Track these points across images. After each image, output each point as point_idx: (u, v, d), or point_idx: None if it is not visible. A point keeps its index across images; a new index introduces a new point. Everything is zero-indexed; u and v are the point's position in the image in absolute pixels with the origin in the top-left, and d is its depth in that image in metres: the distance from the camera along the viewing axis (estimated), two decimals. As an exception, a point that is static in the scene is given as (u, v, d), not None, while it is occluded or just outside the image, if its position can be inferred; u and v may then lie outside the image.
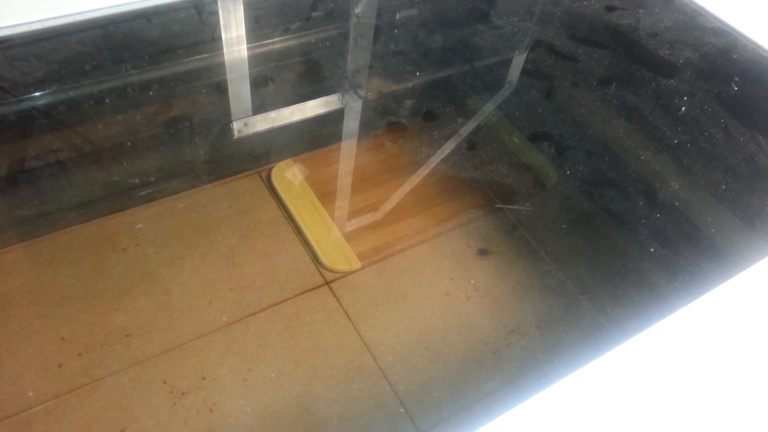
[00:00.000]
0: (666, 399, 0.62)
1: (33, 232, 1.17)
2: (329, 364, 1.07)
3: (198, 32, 1.36)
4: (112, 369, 1.02)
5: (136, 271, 1.14)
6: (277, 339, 1.09)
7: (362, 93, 1.51)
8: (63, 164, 1.25)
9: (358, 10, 1.49)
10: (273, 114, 1.40)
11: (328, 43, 1.53)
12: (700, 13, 1.28)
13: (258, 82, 1.43)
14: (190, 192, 1.28)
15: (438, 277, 1.21)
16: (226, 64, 1.36)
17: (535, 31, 1.66)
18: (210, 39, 1.36)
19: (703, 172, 1.30)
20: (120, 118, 1.30)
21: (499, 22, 1.68)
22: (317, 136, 1.45)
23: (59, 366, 1.01)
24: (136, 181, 1.27)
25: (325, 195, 1.32)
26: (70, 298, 1.09)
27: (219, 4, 1.25)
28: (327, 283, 1.18)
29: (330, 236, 1.25)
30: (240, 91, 1.37)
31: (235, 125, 1.36)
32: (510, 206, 1.36)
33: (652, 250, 1.30)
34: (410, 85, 1.58)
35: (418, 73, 1.61)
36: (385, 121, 1.52)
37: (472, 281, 1.21)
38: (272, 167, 1.35)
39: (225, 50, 1.33)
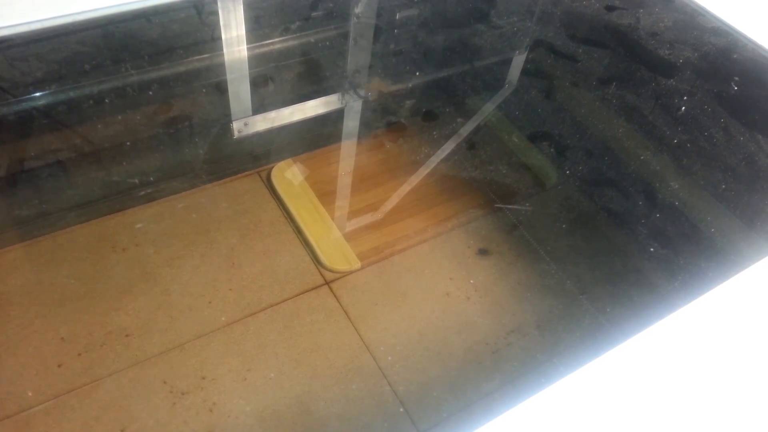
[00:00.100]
0: (666, 399, 0.62)
1: (33, 232, 1.17)
2: (329, 364, 1.07)
3: (198, 32, 1.35)
4: (111, 369, 1.02)
5: (136, 271, 1.14)
6: (276, 339, 1.09)
7: (362, 93, 1.51)
8: (63, 164, 1.25)
9: (358, 10, 1.49)
10: (273, 114, 1.40)
11: (328, 43, 1.53)
12: (700, 13, 1.28)
13: (258, 82, 1.43)
14: (190, 192, 1.28)
15: (438, 277, 1.21)
16: (226, 64, 1.36)
17: (535, 30, 1.66)
18: (210, 39, 1.35)
19: (703, 172, 1.30)
20: (120, 118, 1.30)
21: (499, 21, 1.68)
22: (317, 136, 1.45)
23: (59, 366, 1.01)
24: (136, 181, 1.27)
25: (325, 195, 1.32)
26: (70, 298, 1.09)
27: (219, 4, 1.25)
28: (327, 283, 1.18)
29: (330, 236, 1.25)
30: (240, 91, 1.37)
31: (235, 125, 1.36)
32: (510, 206, 1.36)
33: (651, 249, 1.30)
34: (410, 85, 1.58)
35: (418, 73, 1.61)
36: (384, 121, 1.52)
37: (471, 281, 1.21)
38: (272, 167, 1.35)
39: (225, 50, 1.33)
